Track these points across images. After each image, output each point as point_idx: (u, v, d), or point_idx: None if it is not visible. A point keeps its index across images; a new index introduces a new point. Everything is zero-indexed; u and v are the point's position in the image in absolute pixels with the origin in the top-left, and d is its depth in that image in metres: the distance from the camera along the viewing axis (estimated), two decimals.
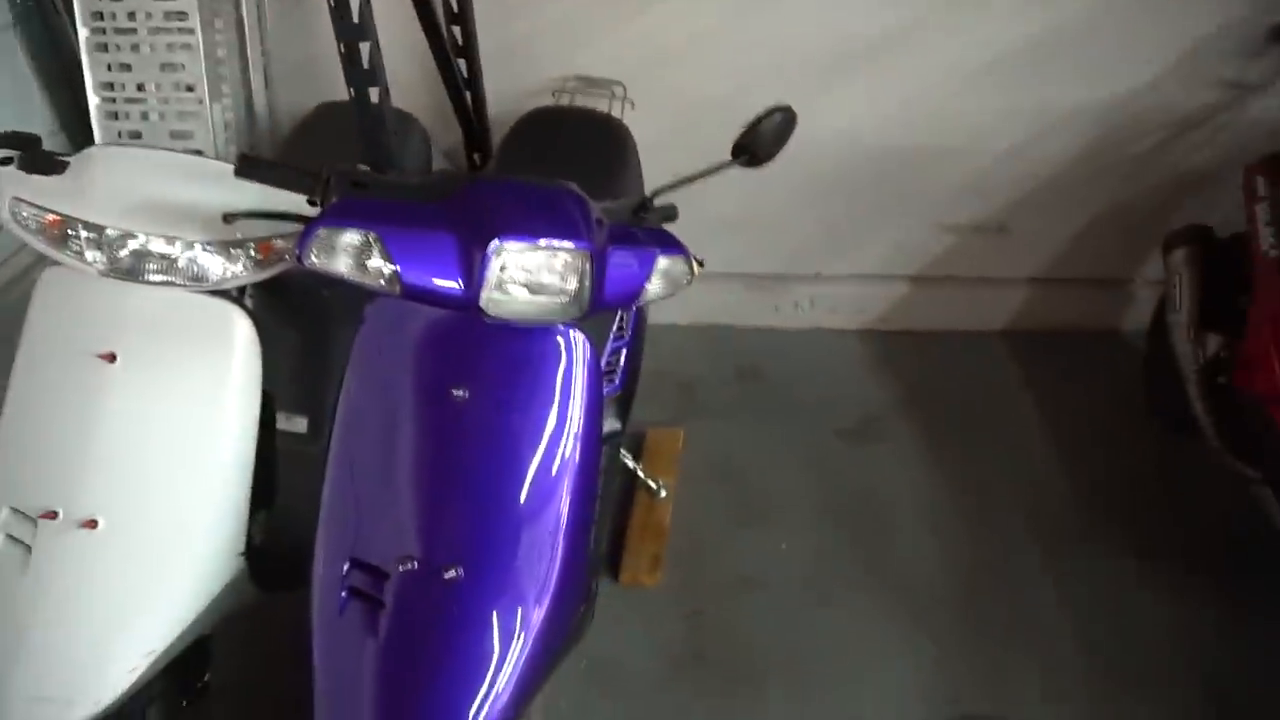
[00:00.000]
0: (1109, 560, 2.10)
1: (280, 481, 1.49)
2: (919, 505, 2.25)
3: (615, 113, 2.31)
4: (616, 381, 1.79)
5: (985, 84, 2.42)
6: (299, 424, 1.69)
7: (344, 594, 1.15)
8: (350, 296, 1.25)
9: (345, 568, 1.16)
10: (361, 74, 1.77)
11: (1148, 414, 2.43)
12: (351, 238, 1.12)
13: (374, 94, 1.80)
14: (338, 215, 1.13)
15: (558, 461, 1.20)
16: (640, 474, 2.17)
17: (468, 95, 2.34)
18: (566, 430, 1.21)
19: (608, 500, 1.82)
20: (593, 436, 1.26)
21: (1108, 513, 2.22)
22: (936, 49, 2.38)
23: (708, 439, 2.41)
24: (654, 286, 1.25)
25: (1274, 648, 1.91)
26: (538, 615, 1.15)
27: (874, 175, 2.58)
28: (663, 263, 1.25)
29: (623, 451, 2.10)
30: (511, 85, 2.40)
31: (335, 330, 1.57)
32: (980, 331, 2.81)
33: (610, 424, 1.77)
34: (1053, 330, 2.80)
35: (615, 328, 1.78)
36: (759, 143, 1.28)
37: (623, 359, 1.80)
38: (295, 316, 1.64)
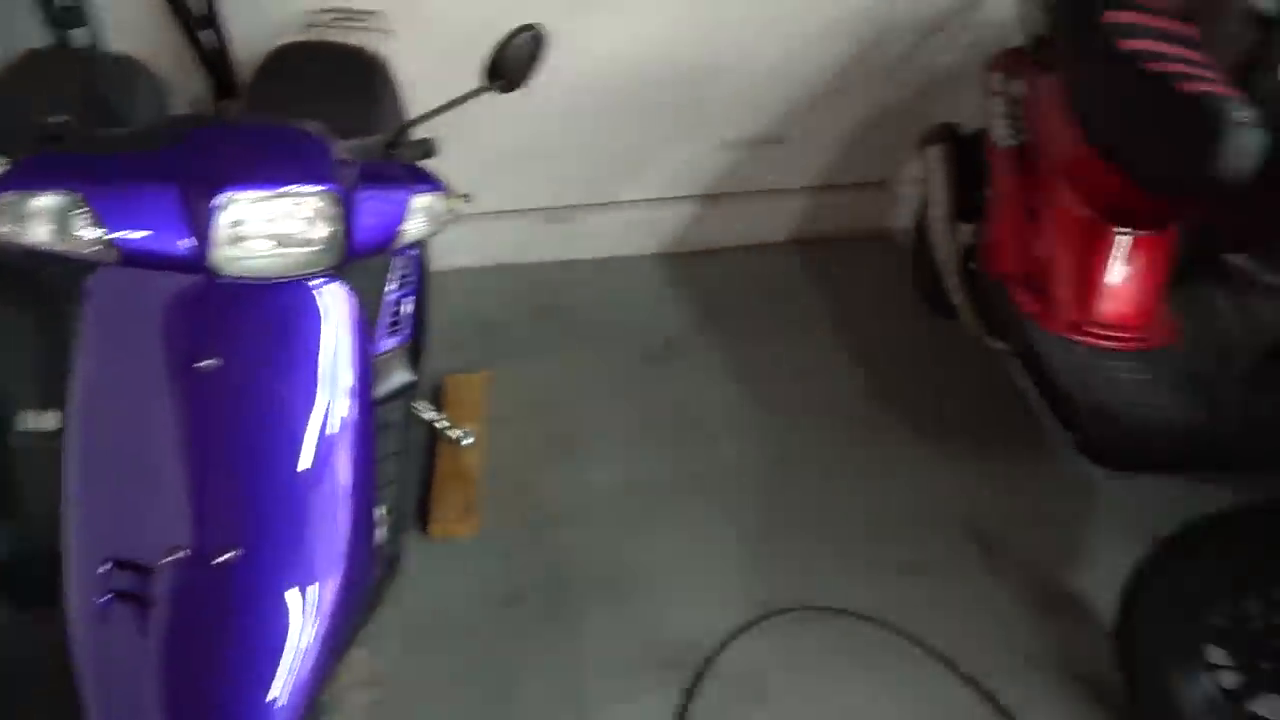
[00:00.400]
0: (894, 441, 2.26)
1: (26, 486, 1.34)
2: (725, 415, 2.33)
3: (375, 44, 2.16)
4: (404, 332, 1.72)
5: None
6: (48, 420, 1.51)
7: (106, 598, 1.04)
8: (74, 269, 1.11)
9: (105, 569, 1.05)
10: (60, 13, 1.55)
11: (918, 304, 2.61)
12: (47, 201, 0.98)
13: (82, 36, 1.58)
14: (26, 175, 0.98)
15: (331, 425, 1.13)
16: (440, 423, 2.11)
17: (209, 35, 2.12)
18: (335, 390, 1.14)
19: (410, 455, 1.75)
20: (366, 394, 1.20)
21: (891, 398, 2.38)
22: None
23: (513, 379, 2.37)
24: (413, 226, 1.19)
25: (1016, 487, 2.16)
26: (330, 587, 1.09)
27: (652, 97, 2.57)
28: (420, 200, 1.19)
29: (422, 403, 2.03)
30: (259, 20, 2.19)
31: (71, 309, 1.41)
32: (768, 243, 2.91)
33: (402, 376, 1.70)
34: (833, 235, 2.94)
35: (396, 275, 1.69)
36: (508, 66, 1.23)
37: (407, 307, 1.72)
38: (20, 298, 1.45)
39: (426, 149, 1.31)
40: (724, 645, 1.82)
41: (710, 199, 2.82)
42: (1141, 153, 1.79)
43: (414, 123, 1.22)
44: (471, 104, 1.35)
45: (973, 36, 2.59)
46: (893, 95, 2.72)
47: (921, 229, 2.52)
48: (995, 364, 2.10)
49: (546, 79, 2.49)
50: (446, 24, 2.28)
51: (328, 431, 1.13)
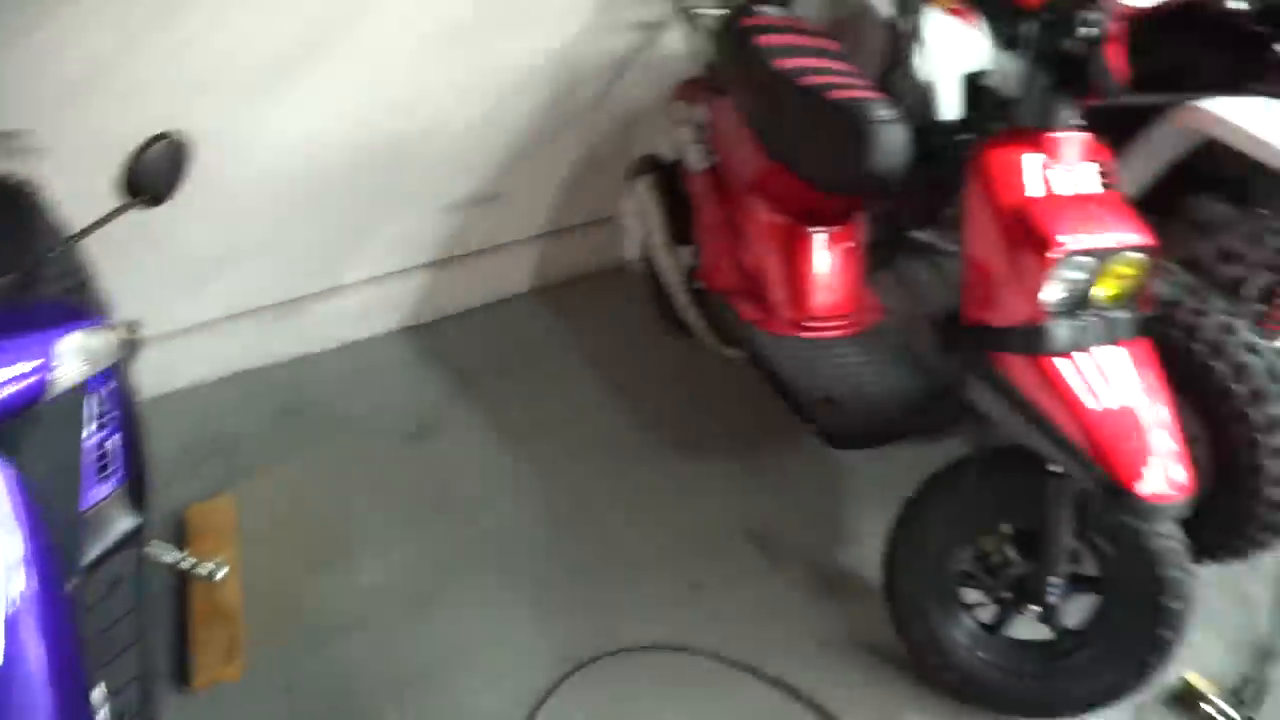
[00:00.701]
0: (664, 466, 2.32)
1: None
2: (493, 481, 2.29)
3: (25, 167, 1.95)
4: (118, 473, 1.55)
5: (435, 59, 2.44)
6: None
7: None
8: None
9: None
10: None
11: (662, 327, 2.70)
12: None
13: None
14: None
15: (9, 611, 0.99)
16: (185, 563, 1.92)
17: None
18: (6, 575, 1.00)
19: (150, 608, 1.58)
20: (53, 565, 1.06)
21: (653, 425, 2.44)
22: (374, 31, 2.34)
23: (263, 492, 2.21)
24: (65, 372, 1.07)
25: (783, 484, 2.27)
26: None
27: (359, 171, 2.50)
28: (68, 342, 1.07)
29: (158, 544, 1.84)
30: None
31: None
32: (510, 297, 2.91)
33: (124, 522, 1.55)
34: (573, 276, 2.99)
35: (93, 414, 1.53)
36: (148, 179, 1.14)
37: (115, 445, 1.56)
38: None
39: (79, 279, 1.19)
40: (533, 714, 1.78)
41: (443, 264, 2.79)
42: (810, 160, 1.96)
43: (52, 254, 1.11)
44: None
45: (658, 70, 2.74)
46: (599, 135, 2.82)
47: (648, 256, 2.62)
48: (741, 373, 2.21)
49: (240, 172, 2.40)
50: (111, 135, 2.10)
51: (9, 617, 0.99)
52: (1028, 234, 1.43)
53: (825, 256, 2.09)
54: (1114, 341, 1.48)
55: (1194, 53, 2.04)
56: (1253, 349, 1.70)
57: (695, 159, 2.26)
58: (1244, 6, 1.94)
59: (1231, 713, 1.73)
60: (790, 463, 2.33)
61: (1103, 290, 1.47)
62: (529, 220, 2.87)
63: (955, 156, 1.65)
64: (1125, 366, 1.47)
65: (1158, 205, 2.16)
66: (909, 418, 1.88)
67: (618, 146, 2.82)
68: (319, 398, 2.53)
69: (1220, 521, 1.80)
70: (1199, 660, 1.85)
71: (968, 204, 1.53)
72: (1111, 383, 1.44)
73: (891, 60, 2.17)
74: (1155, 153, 1.94)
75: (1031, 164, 1.48)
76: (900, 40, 2.16)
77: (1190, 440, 1.79)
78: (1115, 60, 1.42)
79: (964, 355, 1.57)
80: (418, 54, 2.42)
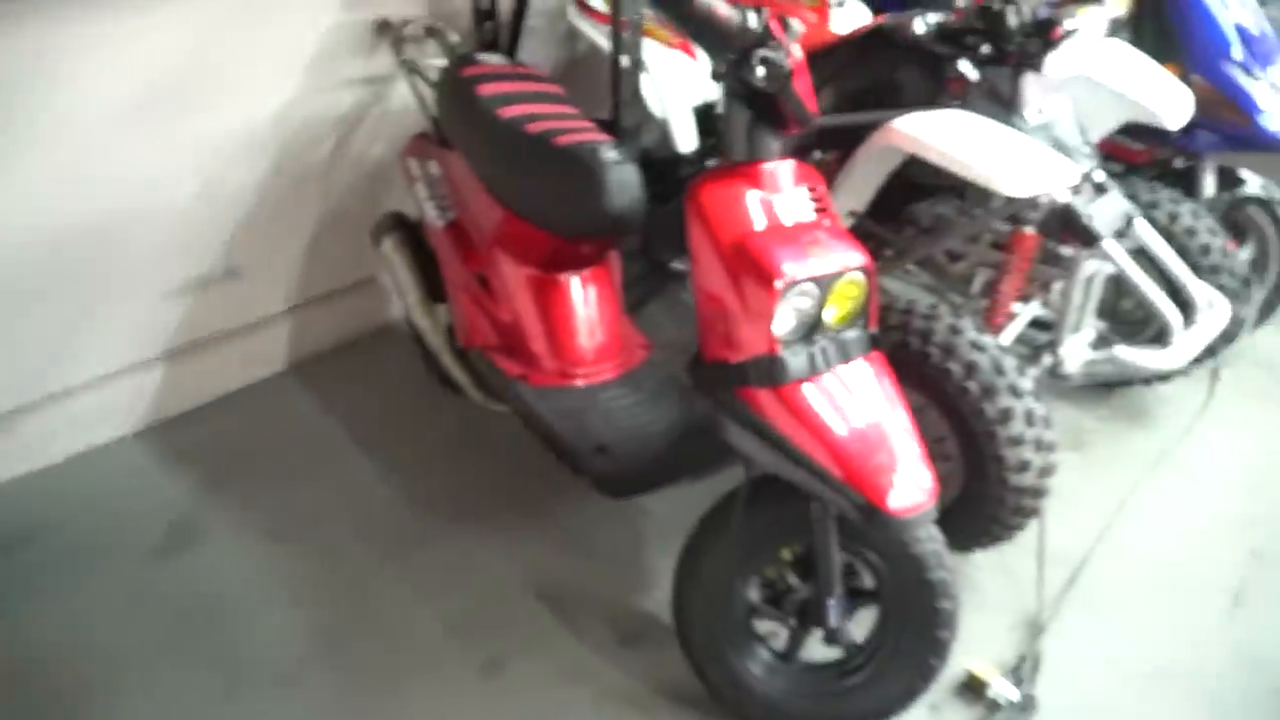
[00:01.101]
0: (447, 537, 2.18)
1: None
2: (263, 586, 2.07)
3: None
4: None
5: (137, 133, 2.21)
6: None
7: None
8: None
9: None
10: None
11: (437, 387, 2.57)
12: None
13: None
14: None
15: None
16: None
17: None
18: None
19: None
20: None
21: (434, 495, 2.30)
22: (66, 107, 2.09)
23: None
24: None
25: (573, 538, 2.19)
26: None
27: (64, 262, 2.23)
28: None
29: None
30: None
31: None
32: (266, 378, 2.69)
33: None
34: (337, 345, 2.80)
35: None
36: None
37: None
38: None
39: None
40: None
41: (181, 353, 2.53)
42: (544, 208, 1.90)
43: None
44: None
45: (391, 125, 2.62)
46: (340, 196, 2.66)
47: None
48: (519, 426, 2.12)
49: None
50: None
51: None
52: (751, 268, 1.43)
53: (580, 302, 2.04)
54: (849, 361, 1.50)
55: (891, 75, 2.16)
56: (978, 347, 1.80)
57: (433, 215, 2.16)
58: (926, 28, 2.07)
59: (1011, 695, 1.81)
60: (579, 514, 2.26)
61: (831, 313, 1.49)
62: (275, 293, 2.66)
63: None
64: (863, 383, 1.50)
65: (889, 213, 2.28)
66: (684, 456, 1.84)
67: (365, 206, 2.68)
68: (48, 521, 2.21)
69: (977, 511, 1.89)
70: (983, 645, 1.93)
71: (691, 243, 1.52)
72: (851, 402, 1.47)
73: (616, 98, 2.17)
74: (870, 168, 2.03)
75: (746, 197, 1.48)
76: (622, 77, 2.16)
77: (939, 440, 1.89)
78: (805, 92, 1.44)
79: (711, 394, 1.55)
80: (116, 129, 2.19)
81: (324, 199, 2.63)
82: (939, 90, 2.07)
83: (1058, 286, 2.13)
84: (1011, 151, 1.82)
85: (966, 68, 2.01)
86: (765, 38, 1.37)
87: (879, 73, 2.23)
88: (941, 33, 2.08)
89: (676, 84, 2.44)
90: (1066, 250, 2.09)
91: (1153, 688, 1.90)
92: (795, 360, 1.44)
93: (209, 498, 2.29)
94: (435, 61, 2.34)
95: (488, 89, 2.01)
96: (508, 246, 2.02)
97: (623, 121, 2.16)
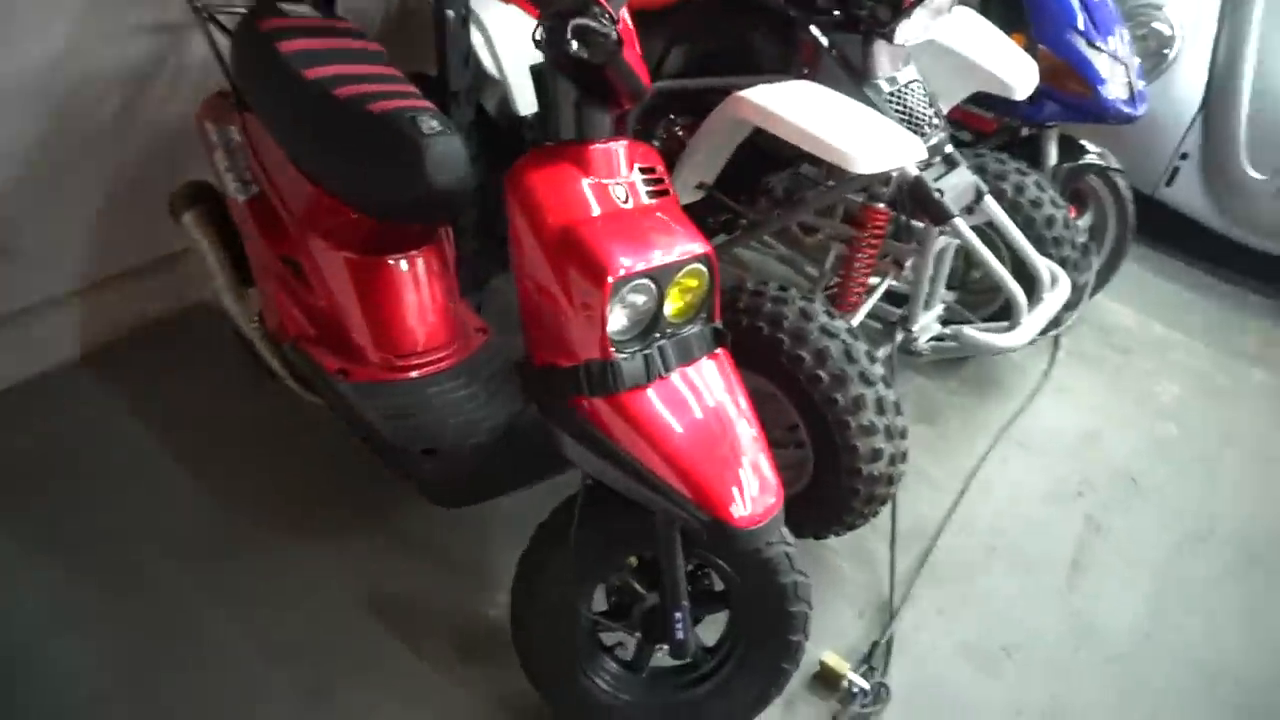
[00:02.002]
0: (269, 554, 1.97)
1: None
2: (57, 621, 1.80)
3: None
4: None
5: None
6: None
7: None
8: None
9: None
10: None
11: (250, 374, 2.31)
12: None
13: None
14: None
15: None
16: None
17: None
18: None
19: None
20: None
21: (253, 501, 2.07)
22: None
23: None
24: None
25: (409, 540, 2.03)
26: None
27: None
28: None
29: None
30: None
31: None
32: (53, 370, 2.35)
33: None
34: (138, 329, 2.49)
35: None
36: None
37: None
38: None
39: None
40: None
41: None
42: (356, 185, 1.68)
43: None
44: None
45: (193, 81, 2.30)
46: (136, 161, 2.33)
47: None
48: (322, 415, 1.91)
49: None
50: None
51: None
52: (580, 262, 1.28)
53: (405, 287, 1.84)
54: (691, 360, 1.39)
55: (742, 36, 2.03)
56: (829, 332, 1.72)
57: (234, 187, 1.89)
58: None
59: (863, 683, 1.78)
60: (414, 514, 2.08)
61: (670, 307, 1.37)
62: (60, 273, 2.32)
63: None
64: (705, 384, 1.38)
65: (741, 183, 2.17)
66: (521, 460, 1.69)
67: (166, 172, 2.35)
68: None
69: (830, 499, 1.84)
70: (836, 634, 1.90)
71: (511, 234, 1.35)
72: (693, 407, 1.35)
73: (442, 58, 1.95)
74: (719, 140, 1.91)
75: (572, 182, 1.32)
76: (449, 33, 1.95)
77: (790, 428, 1.81)
78: (636, 63, 1.29)
79: (540, 402, 1.40)
80: None
81: (116, 164, 2.29)
82: (790, 55, 1.96)
83: (909, 262, 2.08)
84: (861, 126, 1.73)
85: (817, 33, 1.90)
86: (585, 3, 1.20)
87: (730, 34, 2.10)
88: None
89: (514, 40, 2.23)
90: (917, 224, 2.04)
91: (997, 664, 1.91)
92: (631, 365, 1.31)
93: None
94: (237, 7, 2.05)
95: (291, 45, 1.75)
96: (320, 226, 1.79)
97: (451, 84, 1.94)
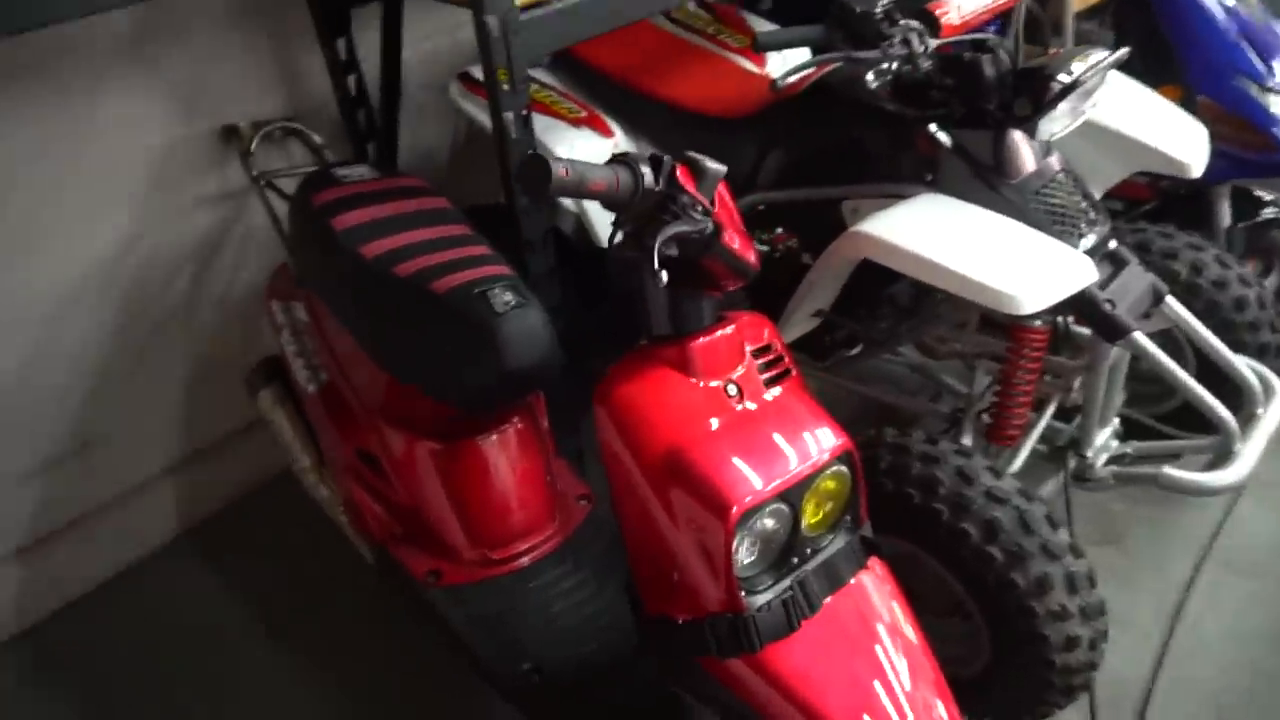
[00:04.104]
0: None
1: None
2: None
3: None
4: None
5: None
6: None
7: None
8: None
9: None
10: None
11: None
12: None
13: None
14: None
15: None
16: None
17: None
18: None
19: None
20: None
21: (371, 707, 1.89)
22: None
23: None
24: None
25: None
26: None
27: None
28: None
29: None
30: None
31: None
32: (153, 553, 2.25)
33: None
34: (232, 500, 2.38)
35: None
36: None
37: None
38: None
39: None
40: None
41: (41, 545, 2.10)
42: (430, 372, 1.49)
43: None
44: None
45: (259, 250, 2.19)
46: (210, 334, 2.22)
47: None
48: None
49: None
50: None
51: None
52: (692, 494, 1.04)
53: (496, 468, 1.63)
54: (840, 584, 1.12)
55: (848, 138, 1.77)
56: (997, 497, 1.41)
57: (304, 378, 1.74)
58: (881, 82, 1.69)
59: None
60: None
61: (807, 520, 1.11)
62: (145, 457, 2.23)
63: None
64: (858, 615, 1.11)
65: (862, 296, 1.89)
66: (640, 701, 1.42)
67: (241, 344, 2.24)
68: None
69: (1015, 687, 1.51)
70: None
71: (606, 460, 1.12)
72: (845, 649, 1.08)
73: (510, 202, 1.75)
74: (833, 274, 1.64)
75: (674, 391, 1.08)
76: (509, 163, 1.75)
77: (958, 607, 1.51)
78: (740, 240, 1.05)
79: (659, 656, 1.15)
80: None
81: (190, 341, 2.20)
82: (907, 157, 1.68)
83: (1078, 381, 1.75)
84: (1012, 253, 1.44)
85: (937, 131, 1.62)
86: (672, 197, 0.97)
87: (832, 134, 1.84)
88: (900, 85, 1.69)
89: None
90: (1081, 332, 1.72)
91: None
92: (768, 617, 1.05)
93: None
94: (298, 171, 1.93)
95: (346, 219, 1.59)
96: (394, 415, 1.61)
97: (524, 232, 1.75)
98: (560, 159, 0.91)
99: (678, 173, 0.98)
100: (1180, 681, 1.81)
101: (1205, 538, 2.09)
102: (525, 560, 1.64)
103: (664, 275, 0.93)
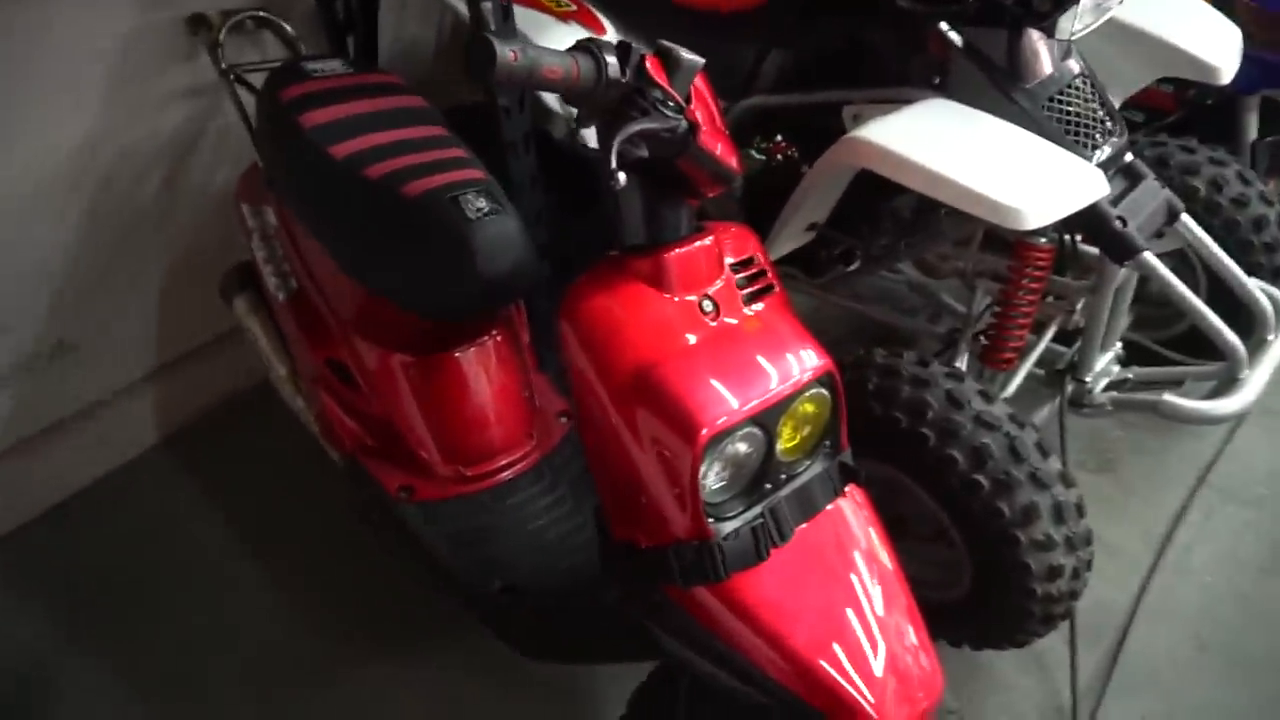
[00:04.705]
0: (357, 677, 1.76)
1: None
2: None
3: None
4: None
5: None
6: None
7: None
8: None
9: None
10: None
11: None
12: None
13: None
14: None
15: None
16: None
17: None
18: None
19: None
20: None
21: (340, 615, 1.87)
22: None
23: None
24: None
25: (499, 669, 1.60)
26: None
27: None
28: None
29: None
30: None
31: None
32: (133, 459, 2.23)
33: None
34: (215, 407, 2.34)
35: None
36: None
37: None
38: None
39: None
40: None
41: (17, 450, 2.07)
42: (400, 281, 1.42)
43: None
44: None
45: (239, 145, 2.09)
46: (191, 234, 2.15)
47: None
48: None
49: None
50: None
51: None
52: (659, 415, 0.98)
53: (473, 383, 1.57)
54: (815, 512, 1.07)
55: (853, 38, 1.65)
56: (987, 423, 1.36)
57: (273, 284, 1.67)
58: None
59: None
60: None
61: (783, 445, 1.05)
62: (122, 363, 2.18)
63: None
64: (832, 543, 1.07)
65: (860, 209, 1.80)
66: (613, 634, 1.37)
67: (218, 247, 2.15)
68: None
69: (995, 617, 1.49)
70: None
71: (571, 377, 1.06)
72: (817, 580, 1.04)
73: (492, 103, 1.65)
74: (831, 180, 1.54)
75: (645, 305, 1.01)
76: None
77: (941, 533, 1.47)
78: (719, 143, 0.97)
79: (623, 585, 1.11)
80: None
81: (167, 244, 2.12)
82: (915, 59, 1.57)
83: (1081, 303, 1.67)
84: (1020, 163, 1.34)
85: (948, 30, 1.50)
86: (640, 91, 0.88)
87: (837, 36, 1.72)
88: None
89: None
90: (1090, 252, 1.63)
91: None
92: (736, 545, 1.00)
93: (65, 636, 1.86)
94: (271, 65, 1.81)
95: (315, 116, 1.50)
96: (366, 326, 1.55)
97: (506, 133, 1.65)
98: (512, 41, 0.82)
99: (648, 64, 0.89)
100: (1162, 611, 1.79)
101: (1203, 465, 2.05)
102: (501, 477, 1.60)
103: (621, 177, 0.85)
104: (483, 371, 1.58)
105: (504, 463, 1.61)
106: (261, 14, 1.91)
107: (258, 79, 1.80)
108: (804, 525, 1.05)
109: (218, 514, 2.09)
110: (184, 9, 1.91)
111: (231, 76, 1.82)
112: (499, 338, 1.59)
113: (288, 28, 1.93)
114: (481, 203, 1.35)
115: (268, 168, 1.64)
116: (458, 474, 1.58)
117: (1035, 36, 1.47)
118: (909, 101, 1.51)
